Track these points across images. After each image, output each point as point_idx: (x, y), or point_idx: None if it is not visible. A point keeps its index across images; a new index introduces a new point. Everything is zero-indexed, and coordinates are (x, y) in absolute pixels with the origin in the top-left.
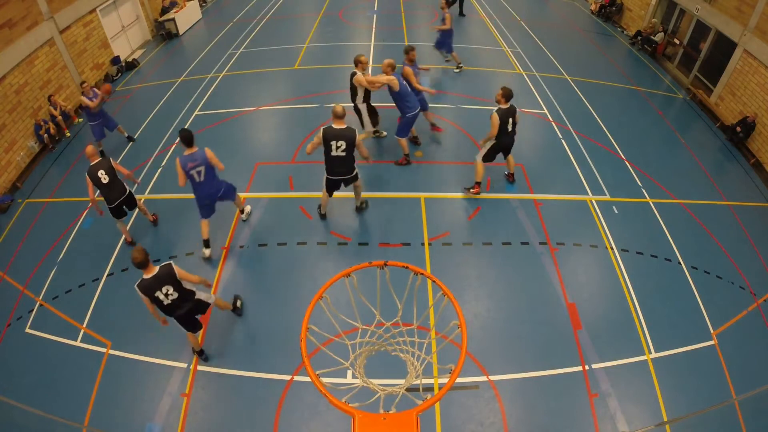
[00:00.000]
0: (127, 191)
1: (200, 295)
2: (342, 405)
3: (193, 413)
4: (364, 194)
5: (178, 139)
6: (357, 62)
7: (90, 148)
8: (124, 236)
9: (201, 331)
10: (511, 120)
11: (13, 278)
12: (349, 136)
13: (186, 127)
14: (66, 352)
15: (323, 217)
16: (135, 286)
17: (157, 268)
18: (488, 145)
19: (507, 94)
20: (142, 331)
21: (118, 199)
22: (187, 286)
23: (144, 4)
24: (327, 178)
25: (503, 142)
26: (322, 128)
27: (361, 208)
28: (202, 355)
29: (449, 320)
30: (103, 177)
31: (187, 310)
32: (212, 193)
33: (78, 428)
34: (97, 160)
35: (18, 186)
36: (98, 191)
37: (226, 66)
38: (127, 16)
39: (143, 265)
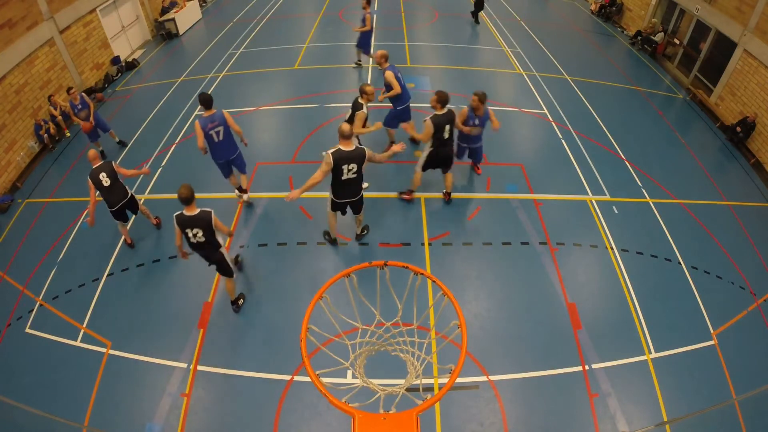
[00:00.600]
0: (129, 195)
1: (224, 254)
2: (342, 405)
3: (193, 413)
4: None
5: (198, 105)
6: (362, 92)
7: (92, 152)
8: (124, 237)
9: (232, 282)
10: (448, 127)
11: (13, 278)
12: (359, 156)
13: (187, 126)
14: (66, 352)
15: (334, 242)
16: (173, 216)
17: (198, 210)
18: (426, 153)
19: (442, 99)
20: (142, 331)
21: (119, 202)
22: (218, 236)
23: (144, 4)
24: (333, 201)
25: (441, 153)
26: (330, 153)
27: (361, 234)
28: (233, 305)
29: (449, 320)
30: (105, 180)
31: (207, 255)
32: (229, 153)
33: (78, 428)
34: (98, 164)
35: (18, 186)
36: (100, 194)
37: (226, 66)
38: (127, 16)
39: (187, 201)
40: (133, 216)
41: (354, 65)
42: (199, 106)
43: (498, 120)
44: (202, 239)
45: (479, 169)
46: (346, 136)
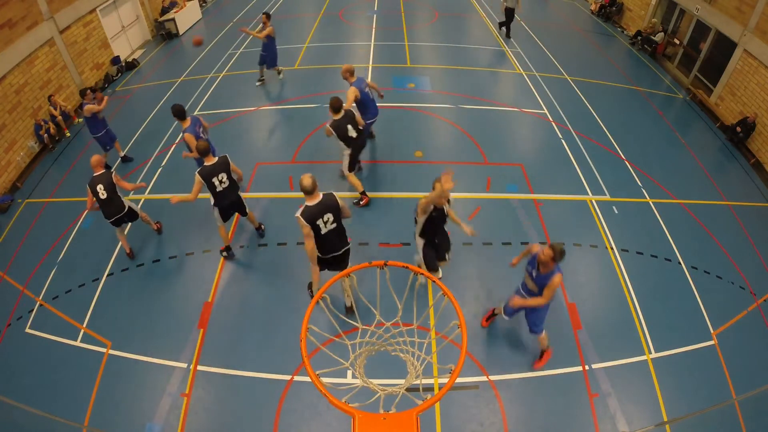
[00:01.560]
0: (126, 208)
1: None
2: (342, 405)
3: (193, 413)
4: (368, 194)
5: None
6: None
7: (95, 159)
8: (122, 245)
9: (251, 213)
10: (350, 126)
11: (13, 278)
12: (331, 205)
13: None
14: (66, 352)
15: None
16: (196, 172)
17: (215, 159)
18: (346, 156)
19: (334, 106)
20: (142, 331)
21: (115, 215)
22: (234, 177)
23: (144, 4)
24: (320, 258)
25: (356, 149)
26: (298, 215)
27: (351, 309)
28: (258, 231)
29: (449, 320)
30: (102, 192)
31: (232, 201)
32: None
33: (78, 428)
34: (99, 172)
35: (18, 186)
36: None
37: (226, 66)
38: (127, 16)
39: (206, 153)
40: (130, 223)
41: (258, 82)
42: (177, 118)
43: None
44: (227, 183)
45: (541, 359)
46: (308, 191)
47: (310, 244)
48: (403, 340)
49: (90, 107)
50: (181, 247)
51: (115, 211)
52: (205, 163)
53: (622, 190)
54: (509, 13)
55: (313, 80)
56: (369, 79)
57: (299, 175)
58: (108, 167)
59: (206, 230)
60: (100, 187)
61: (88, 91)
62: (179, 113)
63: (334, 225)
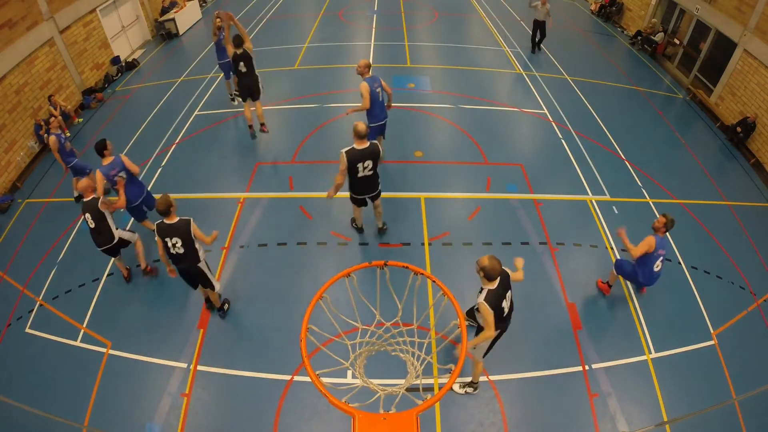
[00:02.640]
0: (116, 239)
1: (203, 267)
2: (342, 405)
3: (193, 413)
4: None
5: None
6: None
7: (82, 183)
8: (120, 270)
9: (214, 292)
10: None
11: (13, 278)
12: (374, 152)
13: (187, 126)
14: (66, 352)
15: (360, 230)
16: (155, 225)
17: (177, 219)
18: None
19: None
20: (142, 331)
21: (104, 245)
22: (197, 246)
23: (144, 4)
24: (353, 197)
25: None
26: (344, 151)
27: (383, 230)
28: (219, 312)
29: (449, 320)
30: (90, 221)
31: (187, 268)
32: (139, 193)
33: (78, 428)
34: (89, 197)
35: (18, 186)
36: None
37: None
38: (127, 16)
39: (164, 214)
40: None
41: (232, 98)
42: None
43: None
44: (181, 250)
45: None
46: (361, 135)
47: (339, 177)
48: (403, 340)
49: (53, 140)
50: None
51: (104, 241)
52: (164, 221)
53: (622, 190)
54: (539, 27)
55: (313, 80)
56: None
57: (299, 175)
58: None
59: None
60: (87, 216)
61: (52, 118)
62: (100, 150)
63: (371, 172)
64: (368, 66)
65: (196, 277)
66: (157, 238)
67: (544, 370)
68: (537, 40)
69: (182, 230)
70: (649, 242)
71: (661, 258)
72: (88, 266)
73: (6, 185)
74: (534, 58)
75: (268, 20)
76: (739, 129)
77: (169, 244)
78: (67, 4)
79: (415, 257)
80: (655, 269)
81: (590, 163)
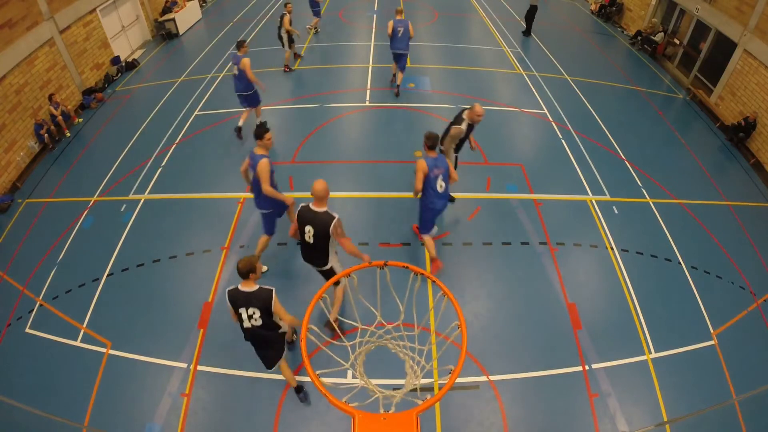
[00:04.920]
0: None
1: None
2: (342, 405)
3: (193, 413)
4: (367, 194)
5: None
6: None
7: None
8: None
9: (288, 370)
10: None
11: (13, 278)
12: (321, 223)
13: (187, 126)
14: (66, 352)
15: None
16: (227, 290)
17: (257, 287)
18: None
19: (430, 143)
20: (142, 331)
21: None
22: (276, 320)
23: (144, 4)
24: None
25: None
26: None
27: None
28: (299, 393)
29: (450, 320)
30: (254, 319)
31: (262, 341)
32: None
33: (78, 428)
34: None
35: (18, 186)
36: None
37: (226, 66)
38: (127, 16)
39: (243, 275)
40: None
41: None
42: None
43: None
44: (259, 322)
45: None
46: (319, 197)
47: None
48: (404, 344)
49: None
50: (181, 247)
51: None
52: (240, 287)
53: (622, 190)
54: (533, 11)
55: (314, 80)
56: (368, 80)
57: (299, 176)
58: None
59: (206, 230)
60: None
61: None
62: (260, 134)
63: (312, 241)
64: (400, 11)
65: (268, 348)
66: (228, 305)
67: (544, 370)
68: (528, 21)
69: (263, 301)
70: (420, 166)
71: (440, 177)
72: (88, 266)
73: (6, 185)
74: (534, 57)
75: (268, 20)
76: (742, 124)
77: (244, 316)
78: (67, 4)
79: (415, 257)
80: (439, 189)
81: (590, 163)
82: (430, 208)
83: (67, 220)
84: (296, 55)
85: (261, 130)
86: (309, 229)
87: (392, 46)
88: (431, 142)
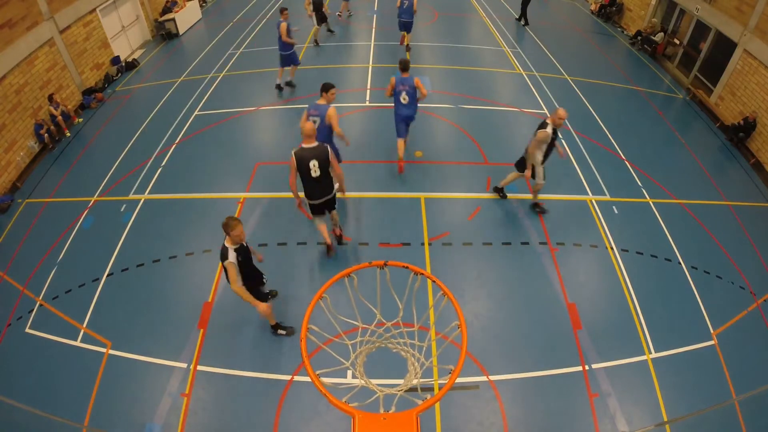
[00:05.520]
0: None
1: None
2: (342, 405)
3: (193, 413)
4: (367, 194)
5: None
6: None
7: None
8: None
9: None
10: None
11: (13, 278)
12: (322, 154)
13: (187, 126)
14: (66, 352)
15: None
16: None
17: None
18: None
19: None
20: (142, 331)
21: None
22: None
23: (144, 4)
24: (310, 204)
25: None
26: (292, 151)
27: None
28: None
29: (449, 320)
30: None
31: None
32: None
33: (78, 428)
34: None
35: (18, 186)
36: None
37: (226, 66)
38: (127, 16)
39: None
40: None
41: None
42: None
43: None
44: (318, 173)
45: None
46: (308, 135)
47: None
48: (404, 341)
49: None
50: (181, 247)
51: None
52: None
53: (622, 190)
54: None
55: (314, 80)
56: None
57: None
58: None
59: (206, 230)
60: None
61: None
62: (327, 88)
63: (319, 173)
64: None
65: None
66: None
67: (544, 370)
68: (523, 7)
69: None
70: (391, 81)
71: (404, 92)
72: (88, 266)
73: (6, 185)
74: (534, 58)
75: (268, 20)
76: (741, 130)
77: (311, 165)
78: (67, 4)
79: (415, 257)
80: (402, 101)
81: (590, 163)
82: (397, 113)
83: (67, 220)
84: (329, 30)
85: (328, 85)
86: (314, 163)
87: (399, 15)
88: (403, 65)
